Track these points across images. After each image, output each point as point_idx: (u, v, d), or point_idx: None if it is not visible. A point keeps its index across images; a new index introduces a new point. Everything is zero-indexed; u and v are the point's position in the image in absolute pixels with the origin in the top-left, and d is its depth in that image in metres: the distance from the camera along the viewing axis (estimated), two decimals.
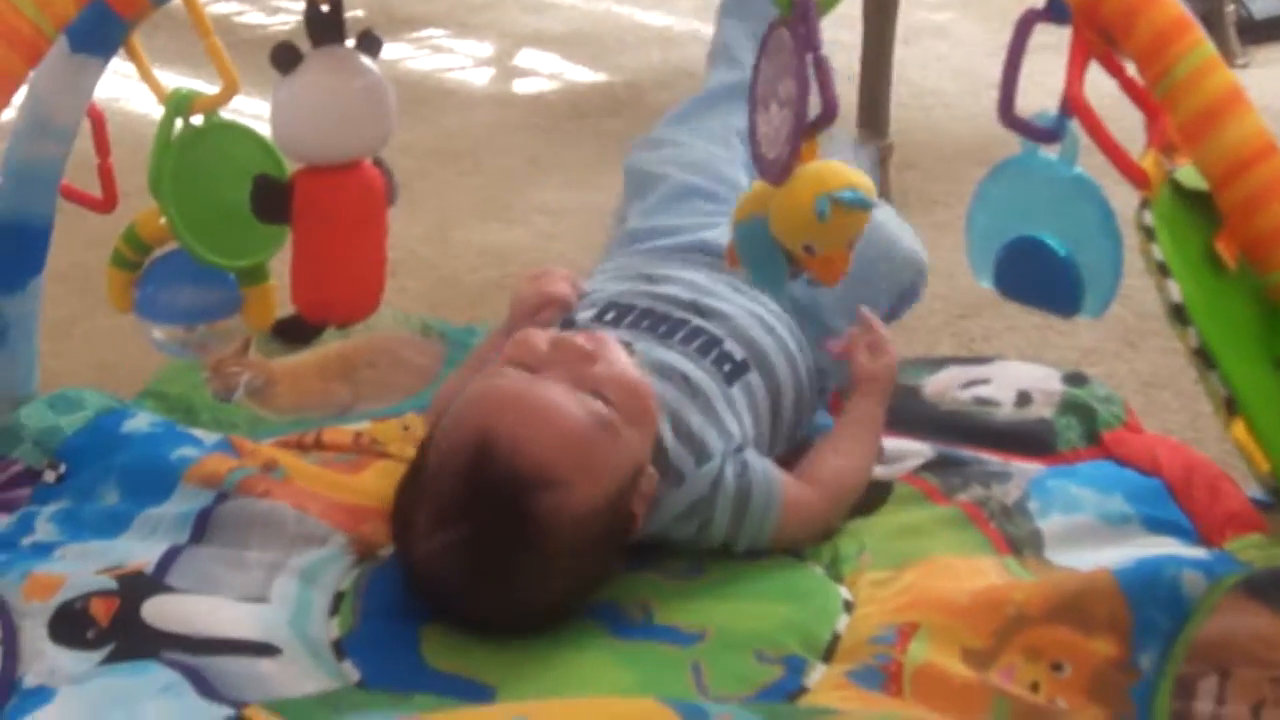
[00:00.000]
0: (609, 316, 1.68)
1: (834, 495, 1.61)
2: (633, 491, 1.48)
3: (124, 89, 2.41)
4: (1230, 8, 3.23)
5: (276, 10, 3.57)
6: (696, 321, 1.67)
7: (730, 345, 1.66)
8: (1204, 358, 1.17)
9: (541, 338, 1.52)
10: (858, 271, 1.55)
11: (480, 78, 3.26)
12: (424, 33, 3.33)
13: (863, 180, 1.34)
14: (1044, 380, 1.85)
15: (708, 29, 3.47)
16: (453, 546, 1.41)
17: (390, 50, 1.52)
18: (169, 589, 1.44)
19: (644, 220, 1.92)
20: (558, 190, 2.63)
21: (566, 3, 3.75)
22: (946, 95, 3.07)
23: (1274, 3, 3.44)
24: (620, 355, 1.53)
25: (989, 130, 2.76)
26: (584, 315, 1.69)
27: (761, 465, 1.57)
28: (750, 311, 1.70)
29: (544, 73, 3.29)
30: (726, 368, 1.62)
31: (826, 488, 1.60)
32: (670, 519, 1.53)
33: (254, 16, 3.44)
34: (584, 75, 3.28)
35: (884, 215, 1.89)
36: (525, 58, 3.40)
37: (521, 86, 3.23)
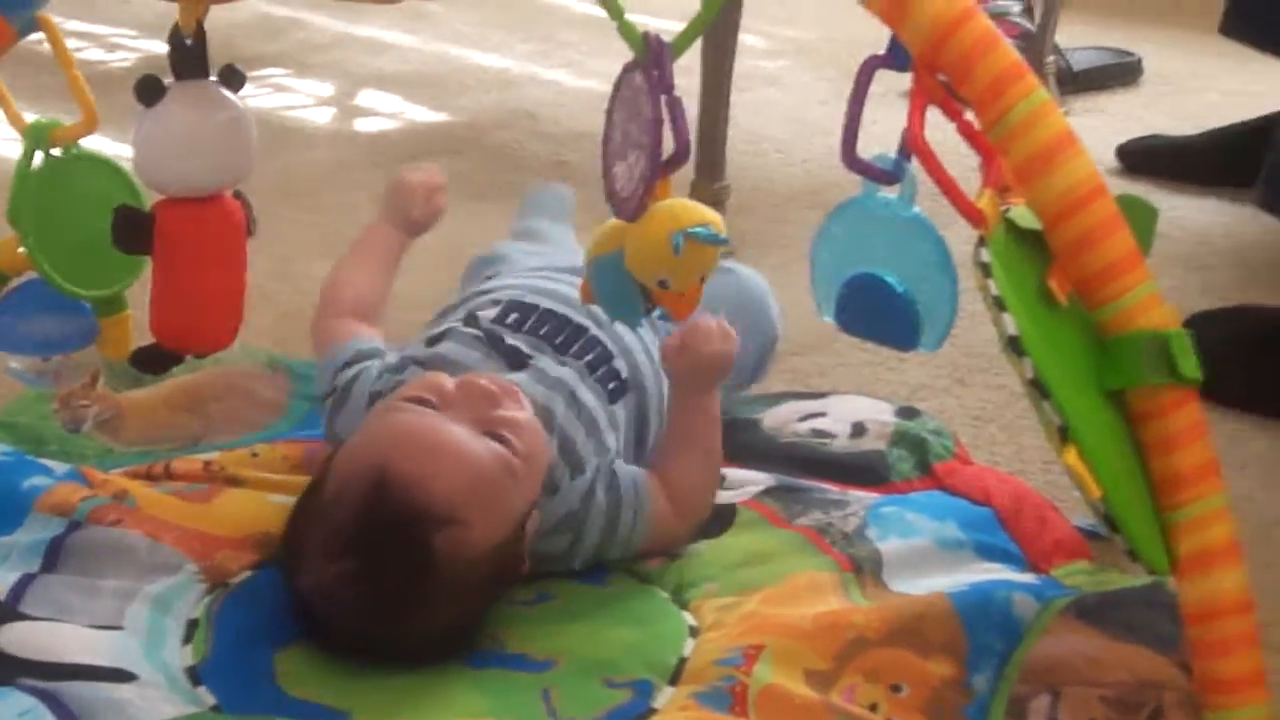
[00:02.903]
0: (510, 319, 1.70)
1: (688, 503, 1.64)
2: (524, 531, 1.51)
3: None
4: (1050, 59, 3.32)
5: (115, 47, 3.54)
6: (594, 331, 1.71)
7: (618, 363, 1.69)
8: (1038, 388, 1.21)
9: (447, 379, 1.54)
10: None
11: (322, 116, 3.26)
12: (265, 72, 3.32)
13: (715, 217, 1.36)
14: (877, 413, 1.90)
15: (545, 72, 3.55)
16: (345, 578, 1.42)
17: None
18: (23, 616, 1.43)
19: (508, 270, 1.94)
20: None
21: (406, 44, 3.77)
22: (780, 141, 3.11)
23: (1092, 55, 3.55)
24: (521, 398, 1.55)
25: (821, 175, 2.87)
26: (486, 314, 1.71)
27: (629, 475, 1.61)
28: (635, 334, 1.74)
29: (385, 112, 3.30)
30: (611, 385, 1.66)
31: (680, 496, 1.63)
32: (543, 533, 1.55)
33: (93, 53, 3.41)
34: (424, 115, 3.29)
35: (753, 274, 2.00)
36: (366, 98, 3.41)
37: (363, 125, 3.23)
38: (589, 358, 1.68)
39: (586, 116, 3.11)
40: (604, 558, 1.60)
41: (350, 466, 1.47)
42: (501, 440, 1.48)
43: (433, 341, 1.68)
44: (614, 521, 1.59)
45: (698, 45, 2.44)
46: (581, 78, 3.42)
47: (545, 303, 1.73)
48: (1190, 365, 1.21)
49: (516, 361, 1.65)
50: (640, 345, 1.74)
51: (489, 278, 1.88)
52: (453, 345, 1.66)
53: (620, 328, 1.72)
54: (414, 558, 1.41)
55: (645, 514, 1.60)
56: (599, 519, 1.58)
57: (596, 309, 1.59)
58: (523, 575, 1.54)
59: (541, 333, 1.69)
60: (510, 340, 1.67)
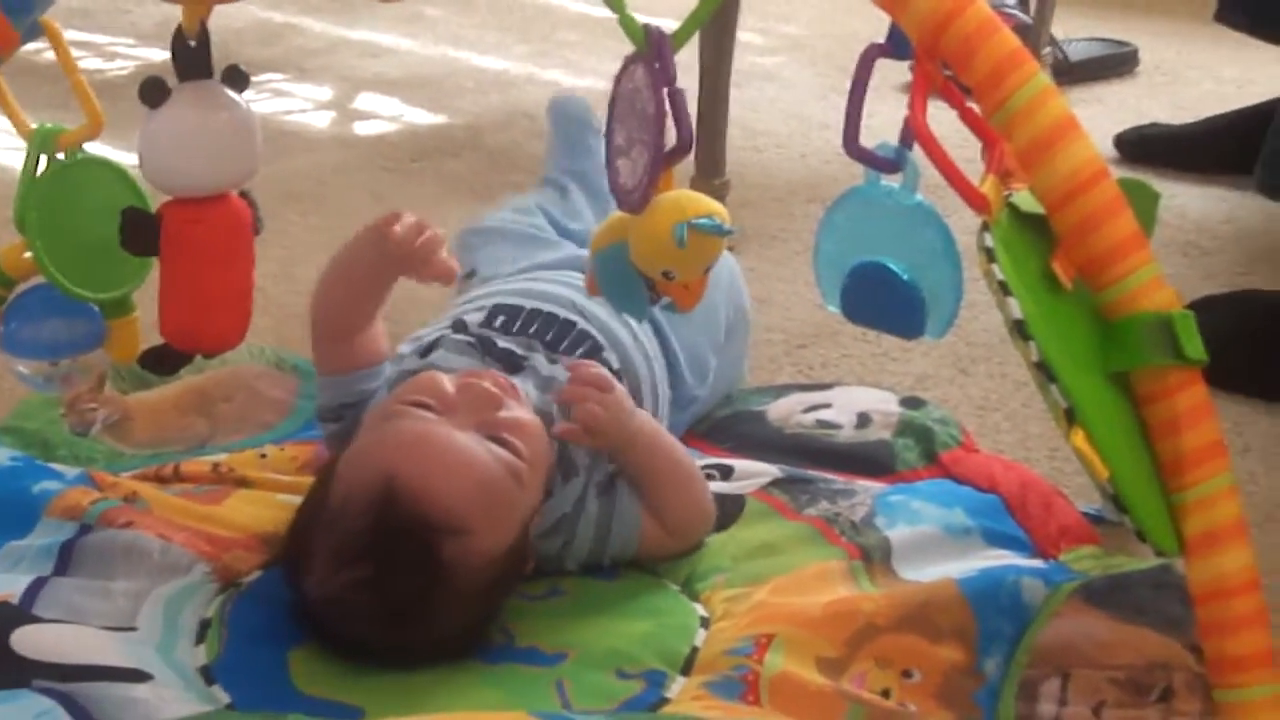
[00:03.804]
0: (498, 322, 1.70)
1: (680, 525, 1.62)
2: (529, 534, 1.51)
3: None
4: (1047, 50, 3.33)
5: (114, 56, 3.55)
6: (581, 325, 1.71)
7: (608, 354, 1.70)
8: (1044, 371, 1.21)
9: (446, 380, 1.54)
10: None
11: (321, 120, 3.26)
12: (264, 77, 3.33)
13: (719, 208, 1.37)
14: (882, 403, 1.91)
15: (543, 73, 3.56)
16: (353, 585, 1.42)
17: None
18: (37, 619, 1.44)
19: (499, 267, 1.93)
20: None
21: (404, 48, 3.77)
22: (778, 136, 3.12)
23: (1088, 46, 3.56)
24: (522, 395, 1.55)
25: (820, 169, 2.88)
26: (472, 319, 1.71)
27: (626, 496, 1.60)
28: (622, 320, 1.74)
29: (384, 115, 3.31)
30: None
31: (670, 522, 1.61)
32: (538, 533, 1.55)
33: (91, 62, 3.40)
34: (423, 118, 3.29)
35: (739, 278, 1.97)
36: (365, 101, 3.41)
37: (362, 129, 3.23)
38: (579, 352, 1.69)
39: None
40: (598, 562, 1.60)
41: (356, 474, 1.47)
42: (505, 444, 1.49)
43: (425, 351, 1.68)
44: (604, 533, 1.59)
45: (694, 43, 2.47)
46: (579, 77, 3.41)
47: (531, 303, 1.73)
48: (1195, 346, 1.22)
49: (511, 365, 1.65)
50: (628, 333, 1.74)
51: (469, 275, 1.90)
52: (445, 353, 1.66)
53: (606, 317, 1.73)
54: (423, 568, 1.42)
55: (633, 537, 1.60)
56: (589, 528, 1.58)
57: (581, 301, 1.61)
58: (528, 573, 1.55)
59: (531, 331, 1.70)
60: (502, 343, 1.67)
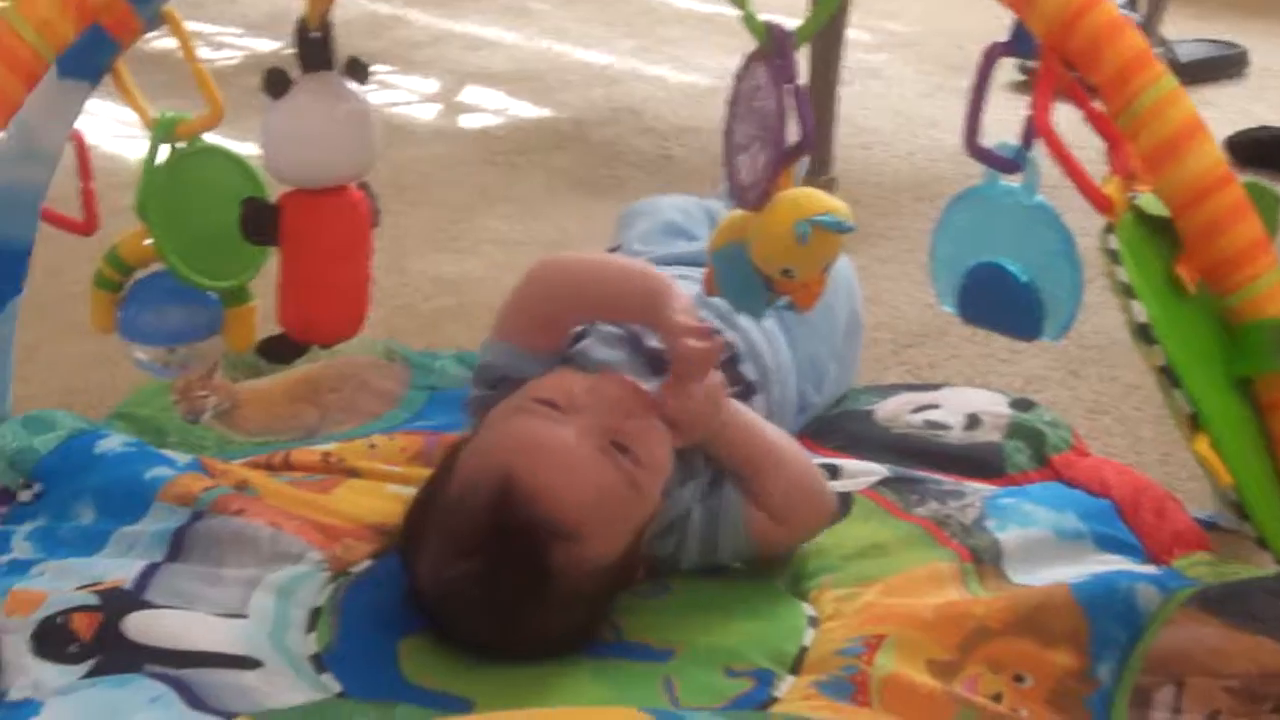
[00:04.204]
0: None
1: (789, 514, 1.58)
2: (641, 542, 1.51)
3: (100, 128, 2.44)
4: (1157, 51, 3.29)
5: (222, 45, 3.59)
6: (727, 333, 1.69)
7: (745, 366, 1.69)
8: (1169, 375, 1.21)
9: (578, 380, 1.53)
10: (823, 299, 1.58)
11: (427, 113, 3.28)
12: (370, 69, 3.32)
13: (840, 205, 1.36)
14: (992, 405, 1.89)
15: (647, 68, 3.56)
16: (465, 579, 1.42)
17: None
18: (149, 604, 1.45)
19: (643, 243, 1.93)
20: (507, 221, 2.66)
21: (508, 41, 3.79)
22: (884, 134, 3.10)
23: (1197, 48, 3.52)
24: (656, 408, 1.52)
25: (927, 167, 2.86)
26: None
27: (730, 494, 1.57)
28: (763, 329, 1.72)
29: (489, 108, 3.32)
30: (736, 389, 1.65)
31: (777, 512, 1.58)
32: (652, 535, 1.54)
33: (201, 51, 3.44)
34: (528, 111, 3.30)
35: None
36: (470, 94, 3.42)
37: (467, 121, 3.25)
38: (719, 360, 1.66)
39: (690, 111, 3.10)
40: (712, 563, 1.59)
41: (476, 468, 1.46)
42: (627, 451, 1.47)
43: (574, 339, 1.66)
44: (712, 532, 1.57)
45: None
46: (684, 73, 3.41)
47: None
48: None
49: (657, 366, 1.62)
50: (768, 346, 1.73)
51: (614, 249, 1.90)
52: (594, 343, 1.65)
53: (749, 327, 1.71)
54: (533, 568, 1.41)
55: (742, 533, 1.57)
56: (697, 528, 1.56)
57: (724, 306, 1.59)
58: (640, 580, 1.54)
59: None
60: (650, 343, 1.65)
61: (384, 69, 3.49)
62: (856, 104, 3.14)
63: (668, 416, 1.53)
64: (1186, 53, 3.47)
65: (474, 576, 1.42)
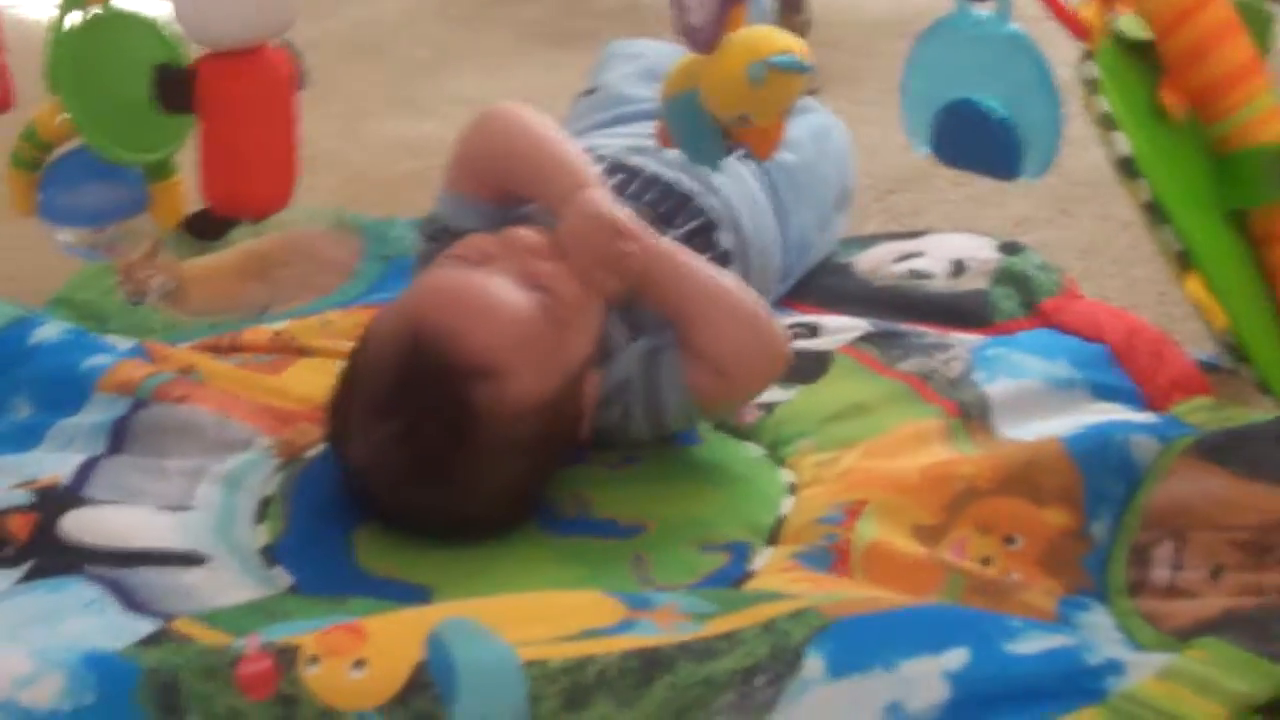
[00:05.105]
0: (615, 181, 1.62)
1: (731, 364, 1.47)
2: (578, 391, 1.44)
3: None
4: None
5: None
6: (699, 198, 1.64)
7: (721, 234, 1.63)
8: (1155, 212, 1.15)
9: (491, 238, 1.47)
10: (816, 169, 1.63)
11: None
12: None
13: (796, 44, 1.31)
14: (978, 249, 1.84)
15: None
16: (388, 442, 1.37)
17: None
18: (88, 501, 1.40)
19: (625, 86, 1.89)
20: (472, 79, 2.59)
21: None
22: None
23: None
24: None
25: (907, 5, 2.76)
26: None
27: (669, 352, 1.48)
28: (745, 192, 1.68)
29: None
30: (707, 256, 1.56)
31: (717, 363, 1.47)
32: (599, 402, 1.48)
33: None
34: None
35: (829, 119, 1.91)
36: None
37: None
38: (690, 227, 1.62)
39: None
40: (662, 432, 1.52)
41: (386, 327, 1.42)
42: (546, 290, 1.42)
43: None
44: (654, 395, 1.48)
45: None
46: None
47: (652, 166, 1.66)
48: None
49: None
50: (749, 214, 1.68)
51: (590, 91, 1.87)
52: (540, 212, 1.58)
53: (731, 193, 1.66)
54: (454, 414, 1.36)
55: (687, 396, 1.48)
56: (639, 392, 1.49)
57: (706, 172, 1.55)
58: (584, 441, 1.48)
59: (645, 199, 1.62)
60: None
61: None
62: None
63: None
64: None
65: (397, 437, 1.37)
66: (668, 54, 1.92)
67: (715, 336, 1.47)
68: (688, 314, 1.48)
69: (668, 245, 1.52)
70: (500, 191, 1.58)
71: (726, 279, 1.52)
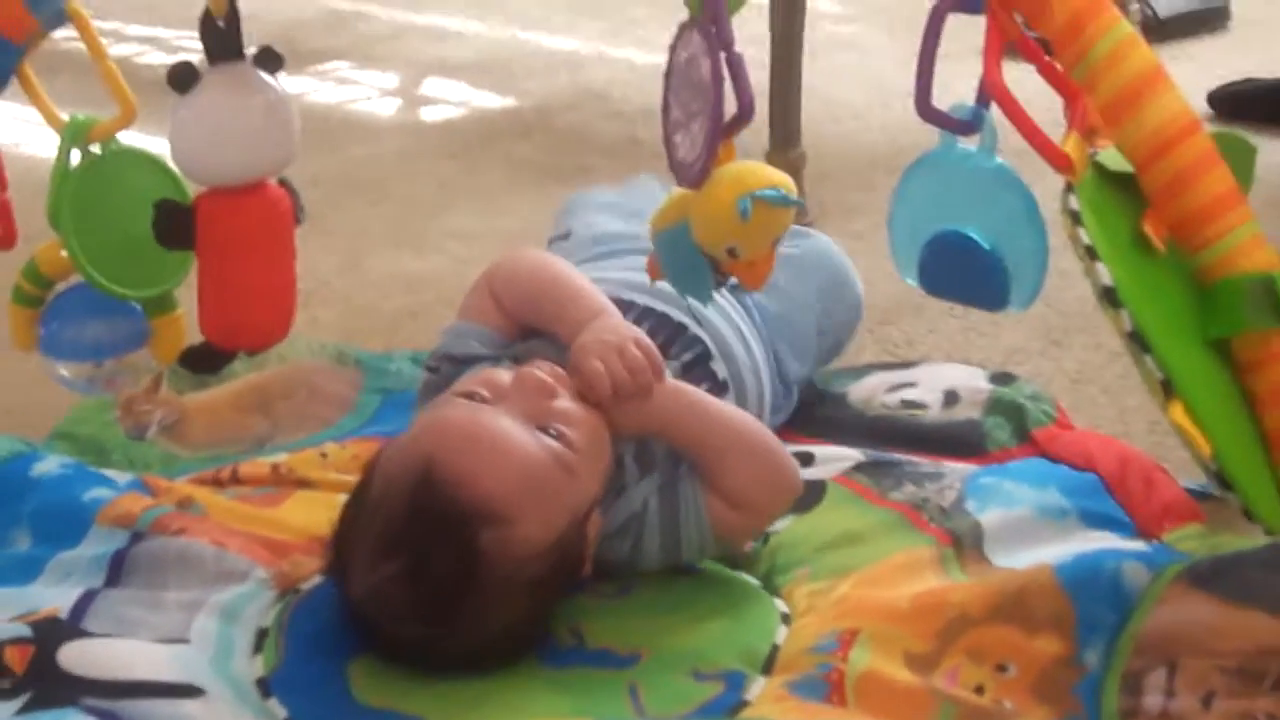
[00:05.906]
0: None
1: (748, 501, 1.51)
2: (583, 532, 1.44)
3: (24, 133, 2.38)
4: (1135, 6, 3.25)
5: (177, 50, 3.51)
6: (694, 329, 1.65)
7: (716, 364, 1.64)
8: (1138, 341, 1.16)
9: (505, 373, 1.48)
10: (818, 299, 1.65)
11: (387, 108, 3.23)
12: (328, 65, 3.30)
13: (783, 178, 1.32)
14: (970, 380, 1.84)
15: (613, 51, 3.51)
16: (393, 578, 1.36)
17: (295, 84, 1.49)
18: (85, 634, 1.40)
19: (600, 226, 1.90)
20: (469, 216, 2.61)
21: (471, 30, 3.74)
22: (856, 106, 3.06)
23: (1178, 1, 3.48)
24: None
25: (901, 139, 2.81)
26: None
27: (688, 485, 1.51)
28: (732, 324, 1.68)
29: (451, 100, 3.27)
30: (706, 386, 1.59)
31: (735, 499, 1.50)
32: (606, 535, 1.48)
33: (155, 56, 3.39)
34: (491, 101, 3.26)
35: (830, 245, 1.91)
36: (431, 86, 3.37)
37: (429, 114, 3.20)
38: (687, 358, 1.62)
39: (658, 93, 3.00)
40: (675, 563, 1.52)
41: (396, 464, 1.42)
42: (556, 434, 1.43)
43: (524, 336, 1.63)
44: (672, 529, 1.50)
45: (767, 12, 2.41)
46: (652, 54, 3.35)
47: (644, 300, 1.66)
48: None
49: None
50: (742, 345, 1.69)
51: (564, 236, 1.87)
52: (542, 344, 1.59)
53: (720, 324, 1.67)
54: (461, 557, 1.36)
55: (706, 531, 1.50)
56: (655, 526, 1.50)
57: (697, 306, 1.55)
58: (584, 578, 1.48)
59: (643, 330, 1.61)
60: None
61: (343, 65, 3.44)
62: (826, 77, 3.12)
63: (587, 377, 1.48)
64: (1166, 7, 3.44)
65: (402, 575, 1.36)
66: (638, 195, 1.97)
67: (736, 472, 1.50)
68: (709, 450, 1.50)
69: (684, 385, 1.55)
70: (517, 323, 1.60)
71: (742, 415, 1.55)
